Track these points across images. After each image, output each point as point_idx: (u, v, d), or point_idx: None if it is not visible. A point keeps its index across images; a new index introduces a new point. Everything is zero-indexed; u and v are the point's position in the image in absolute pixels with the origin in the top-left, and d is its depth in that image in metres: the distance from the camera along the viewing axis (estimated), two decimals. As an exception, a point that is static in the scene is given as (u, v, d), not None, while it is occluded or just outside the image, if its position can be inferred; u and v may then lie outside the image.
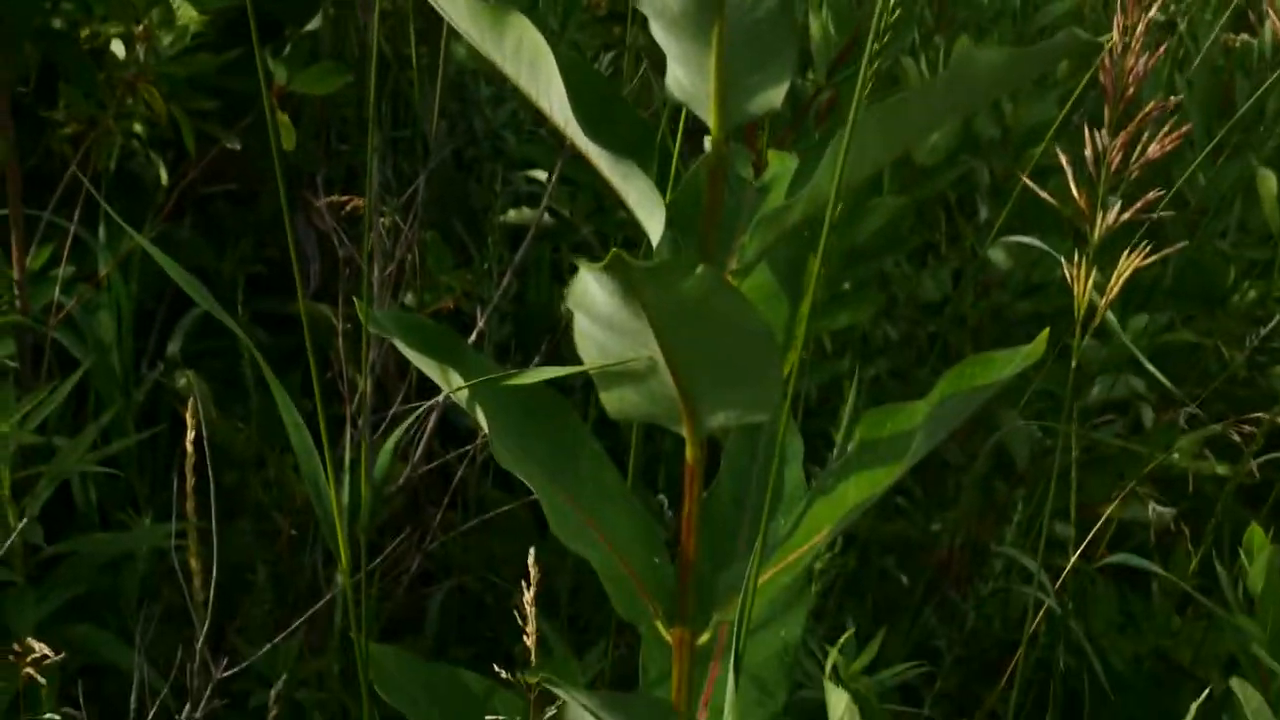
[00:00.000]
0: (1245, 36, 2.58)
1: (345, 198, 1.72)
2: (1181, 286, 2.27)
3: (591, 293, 0.94)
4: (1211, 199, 2.37)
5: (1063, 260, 1.04)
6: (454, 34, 1.70)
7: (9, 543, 1.25)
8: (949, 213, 2.09)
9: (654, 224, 1.02)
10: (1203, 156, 2.17)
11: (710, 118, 1.02)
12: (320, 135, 2.01)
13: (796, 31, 1.00)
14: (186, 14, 1.60)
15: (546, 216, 1.78)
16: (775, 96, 1.01)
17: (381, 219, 1.70)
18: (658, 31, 0.99)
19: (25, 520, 1.23)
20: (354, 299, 1.11)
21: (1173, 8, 2.94)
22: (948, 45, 2.40)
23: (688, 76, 1.01)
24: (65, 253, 1.53)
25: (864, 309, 1.55)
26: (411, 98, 2.01)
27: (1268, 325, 2.07)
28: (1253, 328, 2.10)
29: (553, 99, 1.00)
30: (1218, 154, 2.20)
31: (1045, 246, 1.41)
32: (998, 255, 1.77)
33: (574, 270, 1.80)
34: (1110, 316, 1.46)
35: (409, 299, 1.71)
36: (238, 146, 1.71)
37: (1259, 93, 2.10)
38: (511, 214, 1.79)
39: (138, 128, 1.53)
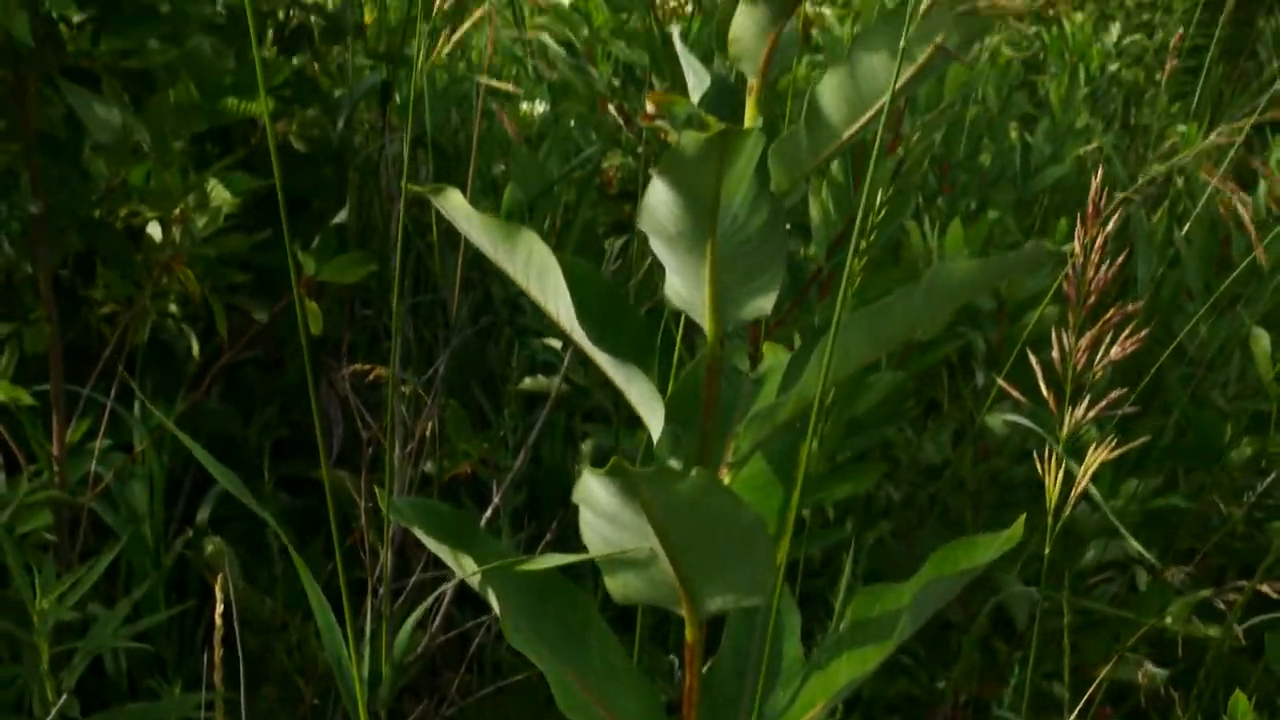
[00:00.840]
0: (1241, 194, 2.66)
1: (368, 366, 1.80)
2: (1180, 442, 2.33)
3: (594, 491, 1.01)
4: (1211, 351, 2.44)
5: (1035, 455, 1.11)
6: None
7: (49, 720, 1.31)
8: (951, 370, 2.16)
9: (654, 421, 1.10)
10: (1203, 310, 2.23)
11: (706, 324, 1.10)
12: (344, 301, 2.09)
13: (785, 246, 1.08)
14: (220, 196, 1.69)
15: (561, 384, 1.86)
16: (766, 304, 1.09)
17: (403, 386, 1.79)
18: (656, 246, 1.07)
19: (64, 697, 1.30)
20: (375, 488, 1.17)
21: (1171, 162, 3.04)
22: (950, 209, 2.50)
23: (685, 287, 1.09)
24: (102, 426, 1.61)
25: (864, 480, 1.61)
26: (432, 265, 2.09)
27: (1265, 481, 2.13)
28: (1253, 481, 2.16)
29: (560, 307, 1.08)
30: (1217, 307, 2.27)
31: (1032, 425, 1.48)
32: (995, 421, 1.83)
33: (585, 437, 1.88)
34: (1093, 490, 1.52)
35: (429, 466, 1.78)
36: (265, 319, 1.79)
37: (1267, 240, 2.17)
38: (528, 382, 1.86)
39: (173, 308, 1.62)
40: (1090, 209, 1.07)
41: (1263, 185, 2.63)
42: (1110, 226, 1.07)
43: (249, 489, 1.86)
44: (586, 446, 1.84)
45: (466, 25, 0.99)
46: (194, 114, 1.52)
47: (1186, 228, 2.74)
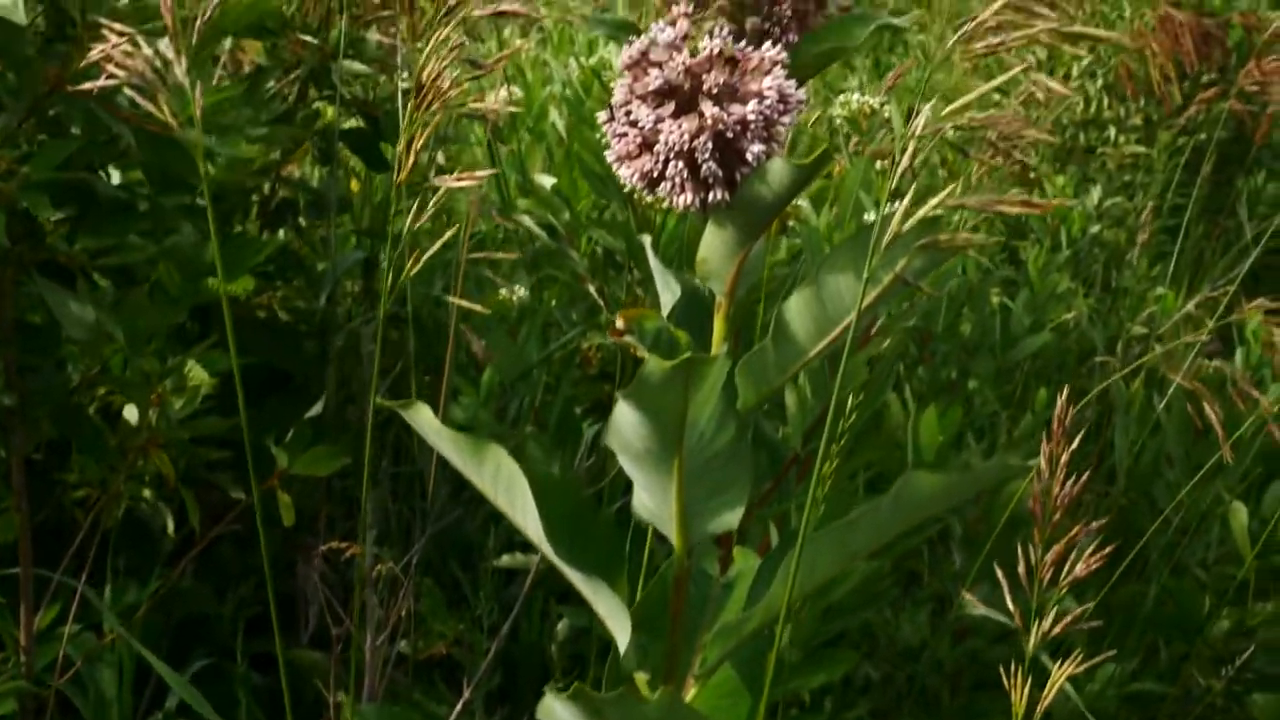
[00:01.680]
0: (1219, 362, 2.68)
1: (343, 544, 1.80)
2: (1160, 613, 2.32)
3: (559, 713, 1.00)
4: (1192, 519, 2.44)
5: (1001, 670, 1.11)
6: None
7: None
8: (930, 543, 2.16)
9: (621, 634, 1.10)
10: (1190, 486, 2.24)
11: (673, 537, 1.10)
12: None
13: (750, 462, 1.09)
14: (198, 376, 1.70)
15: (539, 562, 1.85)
16: (733, 519, 1.09)
17: (379, 566, 1.78)
18: (624, 462, 1.08)
19: None
20: (342, 695, 1.17)
21: (1150, 330, 3.07)
22: (930, 378, 2.51)
23: (652, 501, 1.09)
24: (72, 610, 1.60)
25: (838, 668, 1.60)
26: (410, 443, 2.10)
27: (1245, 653, 2.12)
28: (1234, 652, 2.16)
29: (528, 522, 1.08)
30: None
31: (1002, 617, 1.47)
32: (972, 603, 1.83)
33: (560, 619, 1.87)
34: (1068, 687, 1.52)
35: (404, 645, 1.77)
36: (243, 497, 1.79)
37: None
38: (505, 559, 1.86)
39: (146, 493, 1.62)
40: (1055, 426, 1.08)
41: (1239, 352, 2.65)
42: (1075, 444, 1.08)
43: (222, 668, 1.85)
44: (562, 627, 1.84)
45: (437, 199, 1.00)
46: (173, 306, 1.53)
47: (1167, 397, 2.75)
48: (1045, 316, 2.68)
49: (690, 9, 1.02)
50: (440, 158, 2.48)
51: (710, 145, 0.97)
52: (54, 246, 1.38)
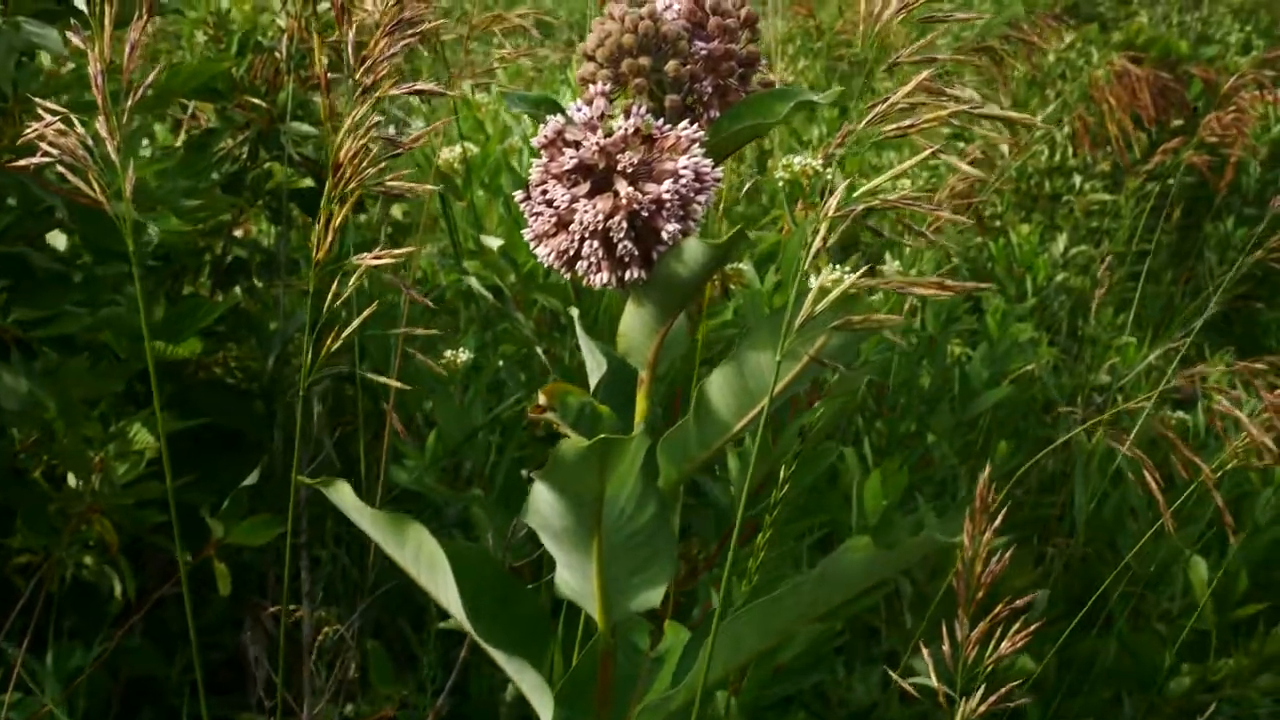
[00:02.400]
0: (1180, 413, 2.69)
1: (294, 607, 1.80)
2: (1120, 666, 2.32)
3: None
4: (1155, 568, 2.44)
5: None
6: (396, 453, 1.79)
7: None
8: (888, 600, 2.16)
9: (544, 711, 1.09)
10: (1149, 533, 2.24)
11: (596, 615, 1.10)
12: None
13: (674, 538, 1.08)
14: (143, 440, 1.69)
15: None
16: (655, 596, 1.09)
17: (325, 630, 1.77)
18: (546, 541, 1.08)
19: None
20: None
21: (1113, 375, 3.07)
22: (890, 431, 2.51)
23: (575, 579, 1.09)
24: (12, 679, 1.58)
25: (784, 733, 1.60)
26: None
27: (1207, 710, 2.11)
28: (1196, 705, 2.16)
29: (450, 599, 1.08)
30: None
31: (940, 686, 1.47)
32: (921, 665, 1.82)
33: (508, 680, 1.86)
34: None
35: (349, 709, 1.76)
36: (189, 559, 1.78)
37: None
38: (451, 621, 1.85)
39: (88, 559, 1.61)
40: (978, 504, 1.08)
41: (1200, 406, 2.66)
42: (998, 521, 1.07)
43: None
44: (511, 689, 1.82)
45: (356, 278, 1.00)
46: (111, 373, 1.52)
47: (1128, 443, 2.75)
48: (1006, 369, 2.67)
49: (608, 87, 1.01)
50: (398, 213, 2.49)
51: (625, 225, 0.96)
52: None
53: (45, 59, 1.67)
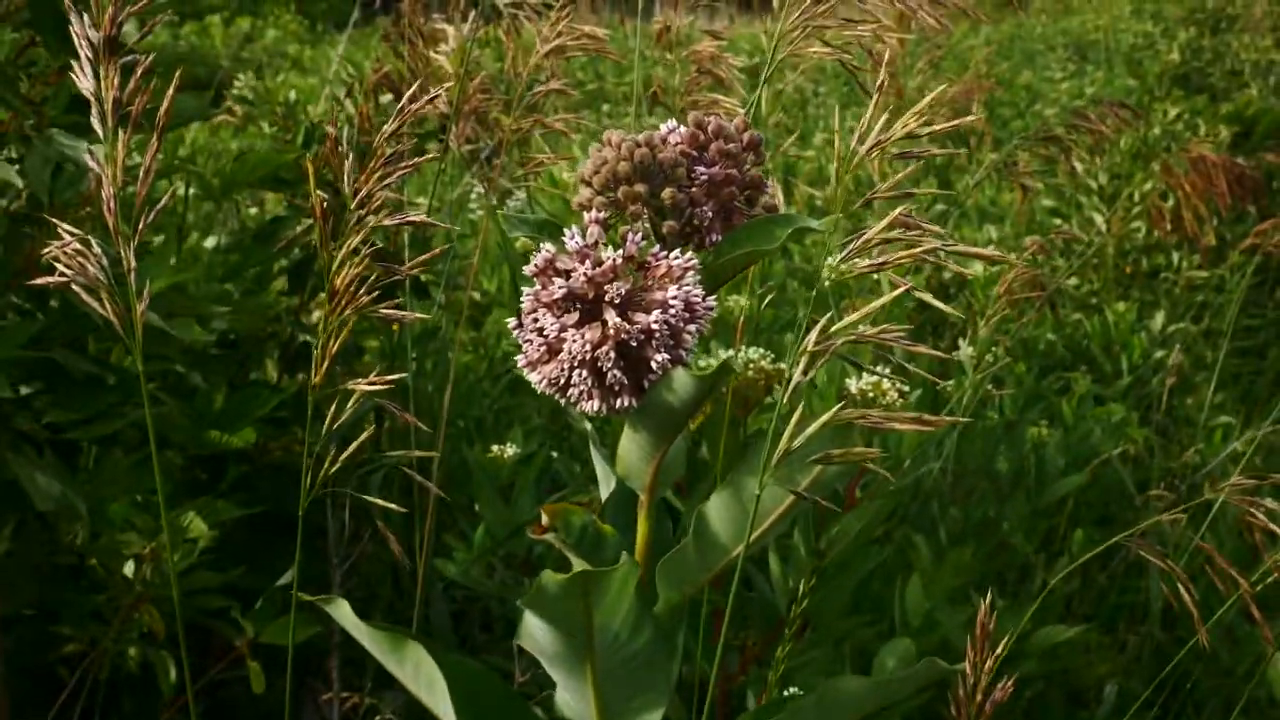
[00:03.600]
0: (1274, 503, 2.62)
1: (348, 694, 1.81)
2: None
3: None
4: (1244, 664, 2.39)
5: None
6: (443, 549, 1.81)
7: None
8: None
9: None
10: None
11: (594, 739, 1.09)
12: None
13: (676, 657, 1.08)
14: (197, 529, 1.72)
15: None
16: (655, 718, 1.08)
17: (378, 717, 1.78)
18: (543, 662, 1.08)
19: None
20: None
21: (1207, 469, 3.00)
22: (964, 517, 2.47)
23: (574, 701, 1.08)
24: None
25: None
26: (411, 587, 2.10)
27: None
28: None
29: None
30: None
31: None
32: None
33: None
34: None
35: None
36: (250, 634, 1.80)
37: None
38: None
39: (133, 651, 1.63)
40: (979, 631, 1.06)
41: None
42: (999, 649, 1.05)
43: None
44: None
45: (354, 401, 1.02)
46: (144, 472, 1.55)
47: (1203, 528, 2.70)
48: (1086, 454, 2.63)
49: (604, 215, 1.02)
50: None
51: (613, 355, 0.96)
52: (18, 423, 1.41)
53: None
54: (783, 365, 1.66)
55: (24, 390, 1.42)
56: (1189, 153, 2.67)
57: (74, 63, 1.04)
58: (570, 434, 2.06)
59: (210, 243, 1.90)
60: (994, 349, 2.46)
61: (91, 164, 1.04)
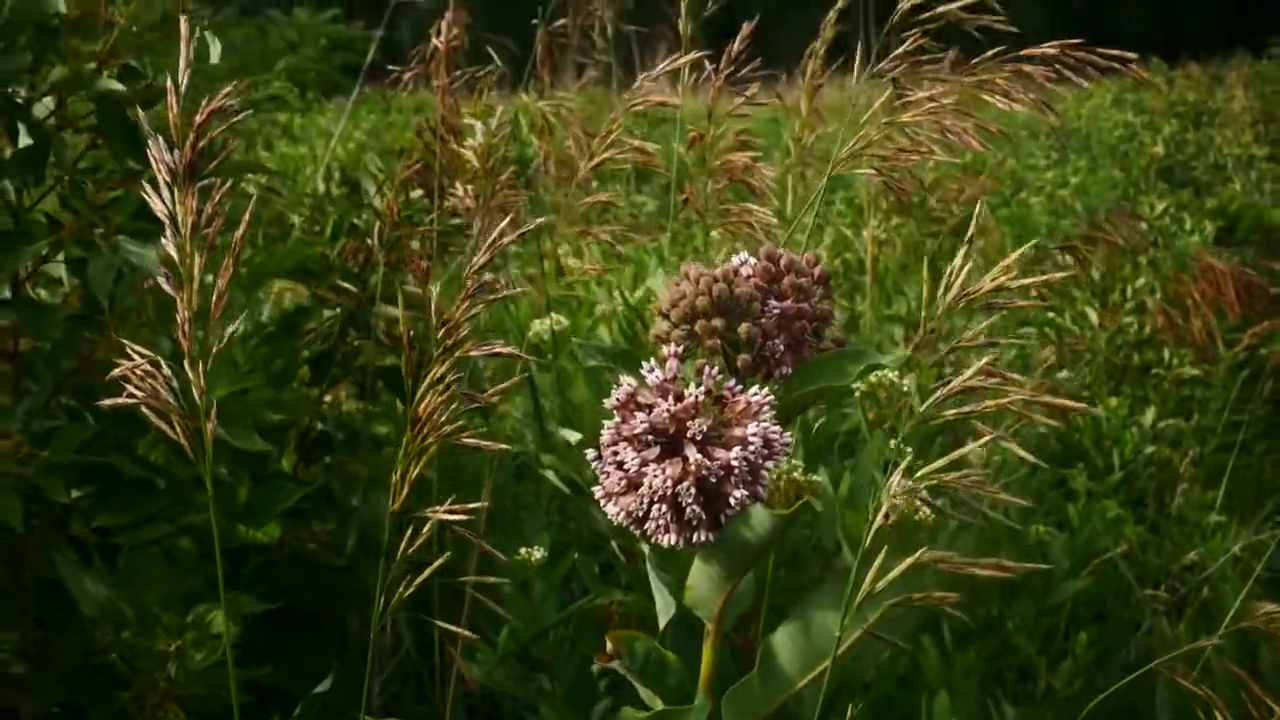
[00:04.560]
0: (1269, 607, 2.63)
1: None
2: None
3: None
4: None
5: None
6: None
7: None
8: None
9: None
10: None
11: None
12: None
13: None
14: (219, 624, 1.71)
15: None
16: None
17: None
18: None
19: None
20: None
21: (1206, 574, 3.02)
22: (970, 617, 2.48)
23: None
24: None
25: None
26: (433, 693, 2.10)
27: None
28: None
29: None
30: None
31: None
32: None
33: None
34: None
35: None
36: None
37: None
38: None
39: (158, 750, 1.62)
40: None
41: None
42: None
43: None
44: None
45: (427, 529, 1.02)
46: (191, 573, 1.55)
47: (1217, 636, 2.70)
48: (1089, 555, 2.64)
49: (681, 348, 1.03)
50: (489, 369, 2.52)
51: (694, 490, 0.97)
52: (71, 527, 1.40)
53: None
54: (815, 478, 1.67)
55: (75, 493, 1.42)
56: (1197, 261, 2.70)
57: (147, 185, 1.05)
58: (584, 530, 2.06)
59: (230, 329, 1.90)
60: (1003, 451, 2.48)
61: (166, 288, 1.05)
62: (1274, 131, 6.66)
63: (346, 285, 1.99)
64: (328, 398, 2.14)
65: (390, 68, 2.19)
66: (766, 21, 1.73)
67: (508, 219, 1.34)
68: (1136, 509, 3.38)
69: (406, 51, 2.18)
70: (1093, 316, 3.71)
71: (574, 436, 1.91)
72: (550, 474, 1.92)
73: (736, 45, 1.69)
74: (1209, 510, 3.39)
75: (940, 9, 1.24)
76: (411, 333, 2.12)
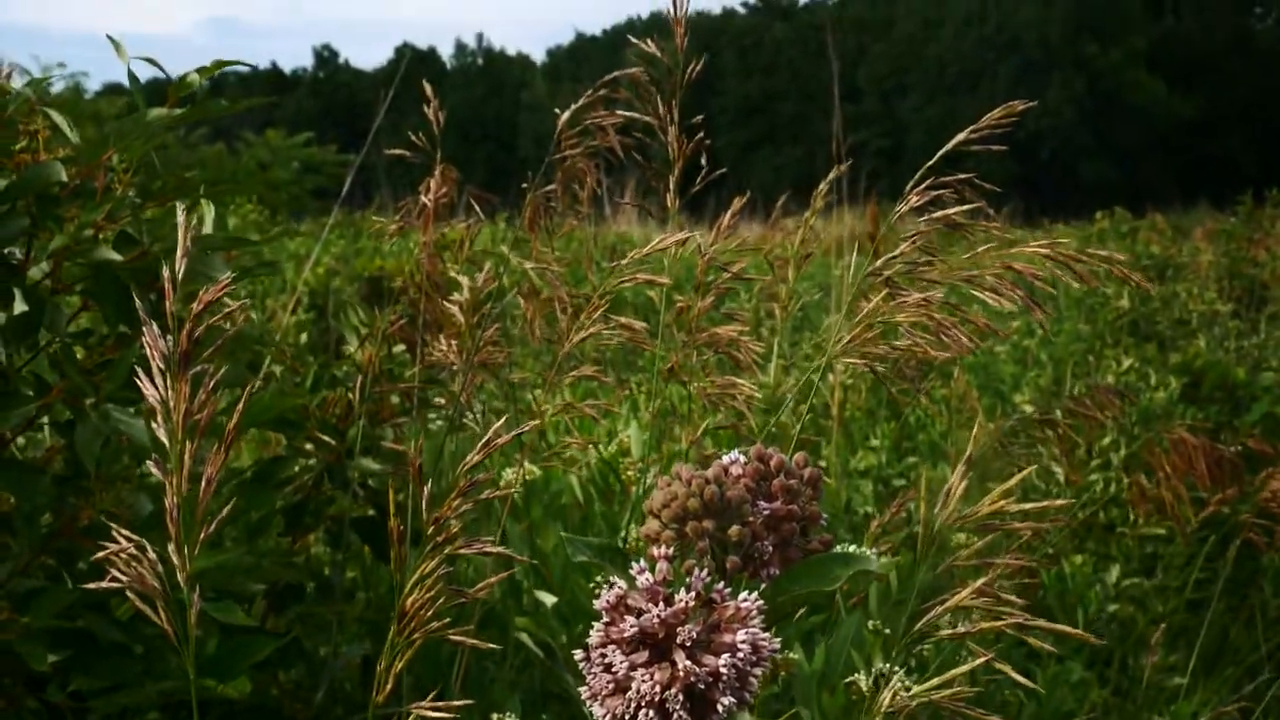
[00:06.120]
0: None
1: None
2: None
3: None
4: None
5: None
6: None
7: None
8: None
9: None
10: None
11: None
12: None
13: None
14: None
15: None
16: None
17: None
18: None
19: None
20: None
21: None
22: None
23: None
24: None
25: None
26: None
27: None
28: None
29: None
30: None
31: None
32: None
33: None
34: None
35: None
36: None
37: None
38: None
39: None
40: None
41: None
42: None
43: None
44: None
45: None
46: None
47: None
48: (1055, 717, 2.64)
49: (671, 550, 1.04)
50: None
51: (681, 697, 0.98)
52: (50, 695, 1.39)
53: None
54: (792, 655, 1.68)
55: (51, 658, 1.40)
56: (1170, 434, 2.74)
57: (139, 369, 1.06)
58: (555, 689, 2.05)
59: (218, 519, 1.90)
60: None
61: (154, 469, 1.05)
62: (1238, 288, 6.76)
63: (325, 437, 1.99)
64: (297, 545, 2.14)
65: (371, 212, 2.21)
66: (738, 157, 1.76)
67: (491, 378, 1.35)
68: (1097, 667, 3.38)
69: (378, 177, 2.20)
70: (1059, 473, 3.73)
71: (549, 599, 1.91)
72: (525, 637, 1.91)
73: (726, 220, 1.72)
74: (1172, 674, 3.39)
75: (938, 214, 1.27)
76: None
